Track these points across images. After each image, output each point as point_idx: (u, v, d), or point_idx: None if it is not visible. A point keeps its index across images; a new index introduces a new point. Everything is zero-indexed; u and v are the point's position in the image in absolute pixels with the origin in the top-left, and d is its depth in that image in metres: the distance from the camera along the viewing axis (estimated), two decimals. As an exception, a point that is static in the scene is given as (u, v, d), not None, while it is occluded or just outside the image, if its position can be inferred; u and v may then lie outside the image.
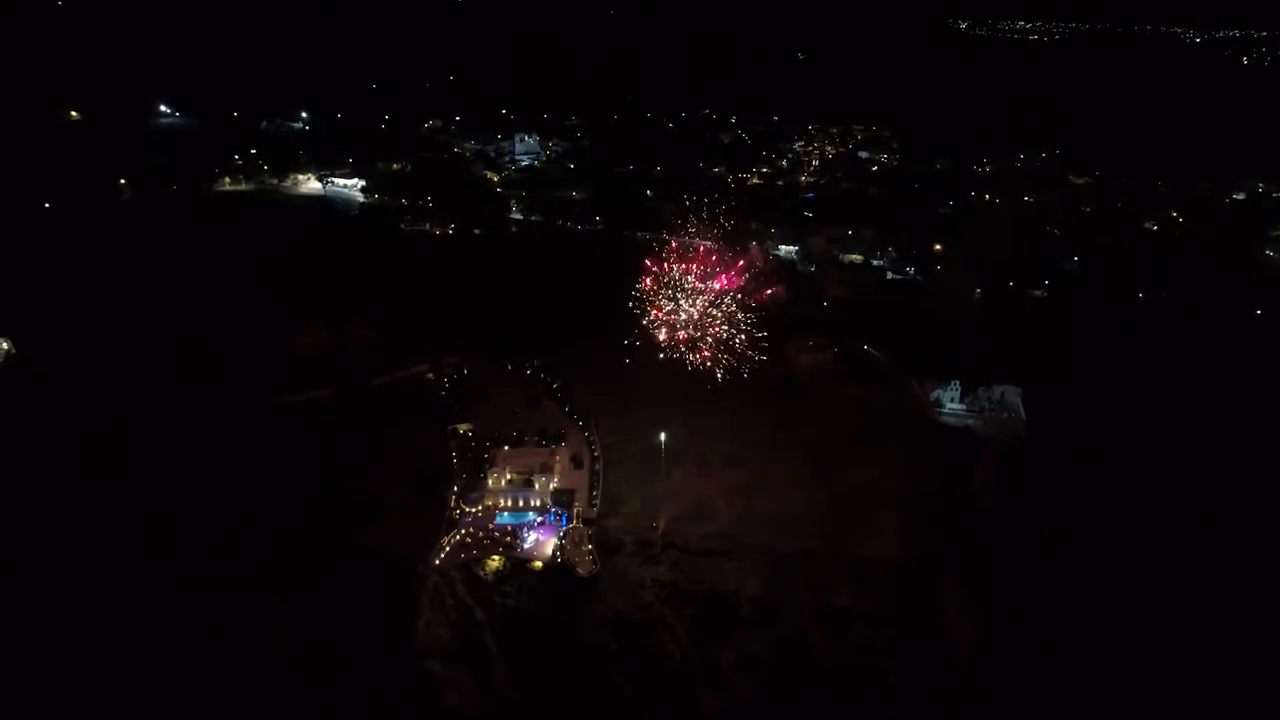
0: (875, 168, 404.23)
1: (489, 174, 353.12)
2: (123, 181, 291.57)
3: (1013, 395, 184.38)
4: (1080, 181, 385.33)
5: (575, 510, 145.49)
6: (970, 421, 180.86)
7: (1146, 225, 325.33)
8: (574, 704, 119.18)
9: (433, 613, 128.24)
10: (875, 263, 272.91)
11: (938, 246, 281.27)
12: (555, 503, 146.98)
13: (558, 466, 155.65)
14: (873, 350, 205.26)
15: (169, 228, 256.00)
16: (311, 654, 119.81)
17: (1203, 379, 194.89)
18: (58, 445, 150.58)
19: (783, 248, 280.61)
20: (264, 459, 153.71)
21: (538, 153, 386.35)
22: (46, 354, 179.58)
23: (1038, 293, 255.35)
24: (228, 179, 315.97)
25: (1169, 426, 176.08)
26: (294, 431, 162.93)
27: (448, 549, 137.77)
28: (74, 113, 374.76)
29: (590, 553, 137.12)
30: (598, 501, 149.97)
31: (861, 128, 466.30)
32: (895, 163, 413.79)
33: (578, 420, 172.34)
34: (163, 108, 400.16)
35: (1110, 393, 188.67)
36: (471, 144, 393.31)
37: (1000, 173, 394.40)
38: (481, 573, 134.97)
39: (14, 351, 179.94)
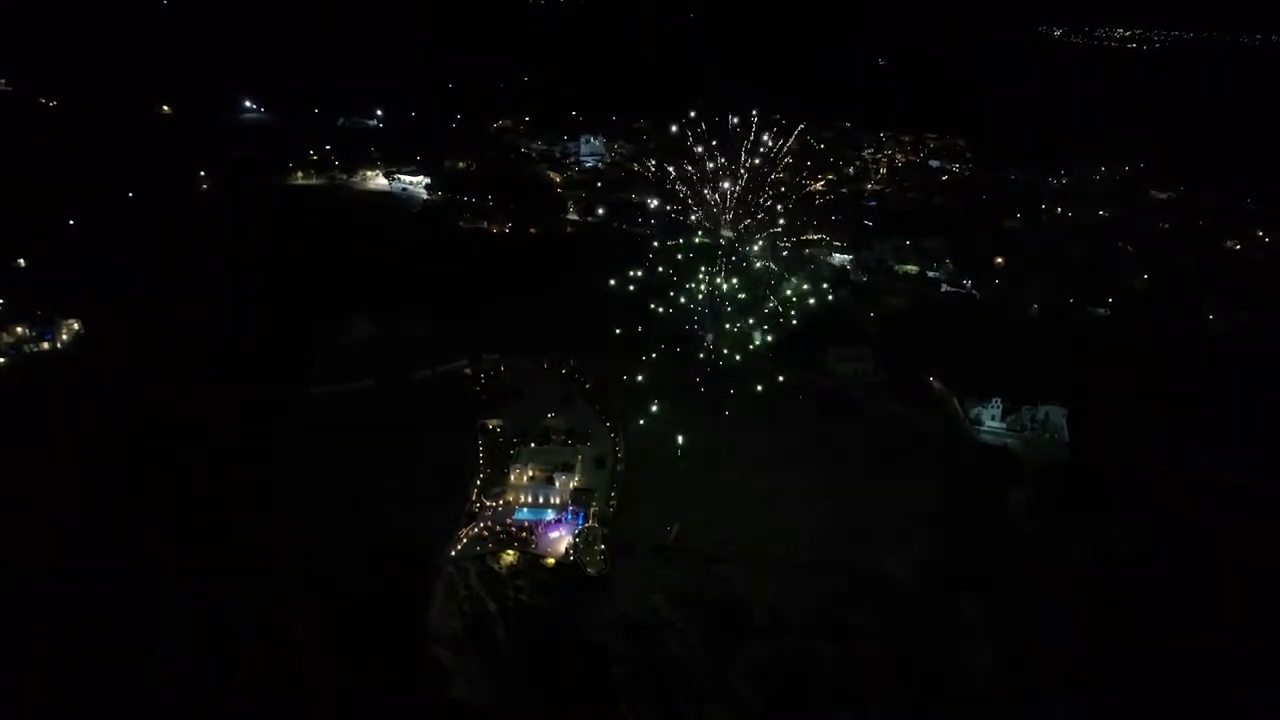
0: (945, 177, 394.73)
1: (551, 174, 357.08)
2: (201, 174, 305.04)
3: (1057, 416, 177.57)
4: (1163, 196, 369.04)
5: (591, 510, 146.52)
6: (1009, 441, 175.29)
7: (1229, 244, 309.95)
8: (578, 700, 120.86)
9: (446, 602, 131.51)
10: (931, 274, 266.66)
11: (999, 260, 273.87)
12: (574, 501, 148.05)
13: (580, 465, 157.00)
14: (933, 380, 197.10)
15: (237, 219, 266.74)
16: (325, 635, 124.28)
17: (1266, 410, 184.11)
18: (111, 423, 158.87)
19: (836, 256, 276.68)
20: (300, 443, 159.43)
21: (602, 154, 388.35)
22: (111, 336, 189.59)
23: (1100, 311, 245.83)
24: (300, 174, 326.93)
25: (1223, 458, 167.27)
26: (333, 418, 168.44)
27: (465, 541, 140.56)
28: (165, 107, 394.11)
29: (602, 552, 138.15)
30: (615, 502, 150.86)
31: (935, 136, 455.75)
32: (967, 173, 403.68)
33: (605, 421, 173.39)
34: (247, 103, 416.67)
35: (1163, 418, 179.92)
36: (538, 144, 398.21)
37: (1077, 185, 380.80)
38: (496, 566, 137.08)
39: (83, 332, 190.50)
